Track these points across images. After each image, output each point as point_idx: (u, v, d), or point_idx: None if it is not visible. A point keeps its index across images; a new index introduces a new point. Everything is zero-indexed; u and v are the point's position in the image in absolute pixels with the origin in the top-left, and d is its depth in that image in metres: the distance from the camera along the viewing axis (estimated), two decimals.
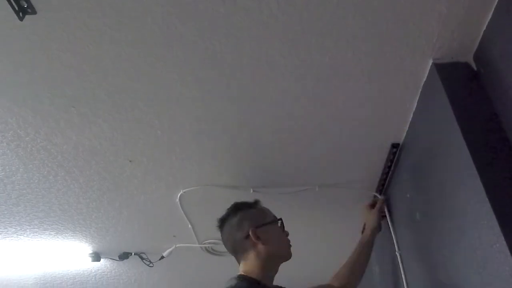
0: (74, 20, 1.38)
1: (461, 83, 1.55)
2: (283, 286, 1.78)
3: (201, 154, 2.08)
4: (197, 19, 1.41)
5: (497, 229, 1.21)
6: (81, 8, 1.35)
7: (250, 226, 1.75)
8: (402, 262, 2.18)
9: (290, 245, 1.86)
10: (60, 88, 1.65)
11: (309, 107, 1.81)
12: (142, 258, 3.16)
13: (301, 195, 2.40)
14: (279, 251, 1.80)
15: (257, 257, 1.71)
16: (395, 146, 2.04)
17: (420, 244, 1.91)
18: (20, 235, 2.76)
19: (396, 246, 2.22)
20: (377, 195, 2.38)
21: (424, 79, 1.67)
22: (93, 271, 3.53)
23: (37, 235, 2.78)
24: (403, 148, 2.03)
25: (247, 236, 1.74)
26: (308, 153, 2.10)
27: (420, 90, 1.72)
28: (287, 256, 1.83)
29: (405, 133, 1.97)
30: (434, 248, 1.74)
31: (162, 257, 3.02)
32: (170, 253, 2.98)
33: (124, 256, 3.11)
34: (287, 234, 1.89)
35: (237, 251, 1.77)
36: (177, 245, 2.96)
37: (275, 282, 1.77)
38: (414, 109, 1.82)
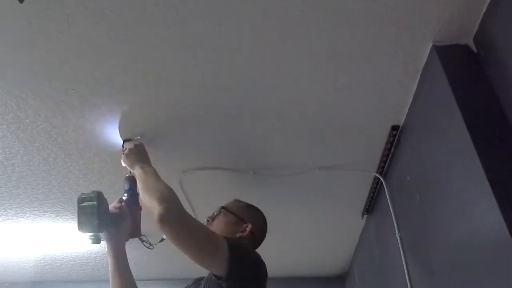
0: (74, 2, 1.38)
1: (461, 65, 1.55)
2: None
3: (201, 136, 2.09)
4: (197, 0, 1.40)
5: (497, 210, 1.21)
6: None
7: None
8: (402, 244, 2.19)
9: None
10: (60, 70, 1.65)
11: (309, 89, 1.80)
12: (142, 241, 3.15)
13: (301, 177, 2.41)
14: None
15: None
16: (395, 128, 2.04)
17: (420, 226, 1.92)
18: (20, 217, 2.78)
19: (396, 228, 2.23)
20: (379, 176, 2.38)
21: (424, 62, 1.67)
22: (93, 253, 3.57)
23: (37, 217, 2.80)
24: (403, 130, 2.03)
25: None
26: (308, 135, 2.11)
27: (420, 72, 1.72)
28: None
29: (405, 115, 1.97)
30: (434, 230, 1.75)
31: (163, 240, 2.99)
32: None
33: None
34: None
35: None
36: None
37: None
38: (414, 91, 1.82)
